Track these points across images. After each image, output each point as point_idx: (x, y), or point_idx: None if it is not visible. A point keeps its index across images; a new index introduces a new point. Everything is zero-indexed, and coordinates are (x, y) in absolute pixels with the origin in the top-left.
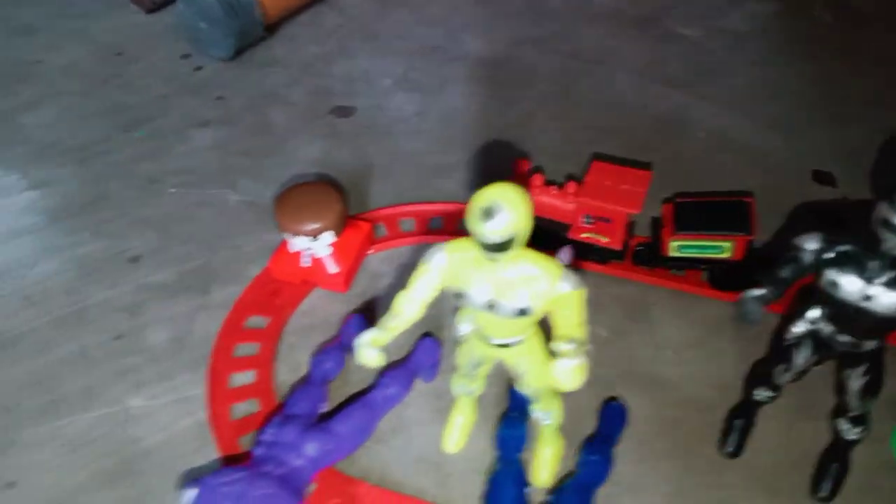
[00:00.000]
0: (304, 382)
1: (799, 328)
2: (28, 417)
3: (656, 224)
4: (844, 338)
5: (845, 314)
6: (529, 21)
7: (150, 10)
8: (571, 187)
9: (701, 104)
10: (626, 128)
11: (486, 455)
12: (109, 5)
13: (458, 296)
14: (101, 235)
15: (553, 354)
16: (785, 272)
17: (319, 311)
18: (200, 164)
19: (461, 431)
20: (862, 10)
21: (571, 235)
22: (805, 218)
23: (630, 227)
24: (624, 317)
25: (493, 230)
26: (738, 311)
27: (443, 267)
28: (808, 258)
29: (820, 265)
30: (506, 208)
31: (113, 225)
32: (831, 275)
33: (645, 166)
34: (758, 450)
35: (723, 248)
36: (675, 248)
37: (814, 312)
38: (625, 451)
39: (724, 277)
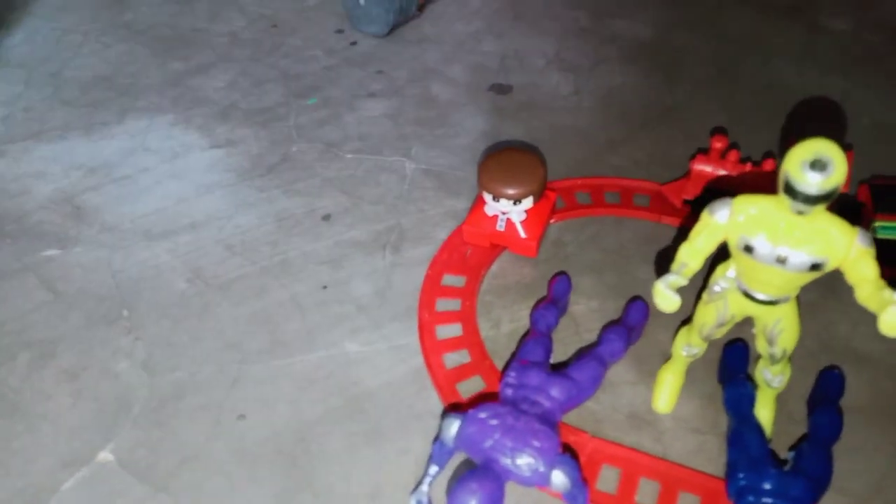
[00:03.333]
0: (532, 334)
1: None
2: (254, 355)
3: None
4: None
5: None
6: (672, 4)
7: None
8: (769, 164)
9: (863, 92)
10: (785, 111)
11: (699, 416)
12: None
13: (746, 248)
14: (292, 194)
15: (881, 304)
16: None
17: (510, 274)
18: (374, 131)
19: (671, 391)
20: None
21: None
22: None
23: None
24: (816, 294)
25: (819, 182)
26: None
27: (729, 220)
28: None
29: None
30: (834, 162)
31: (302, 184)
32: None
33: (846, 147)
34: None
35: None
36: (875, 229)
37: None
38: (848, 421)
39: None
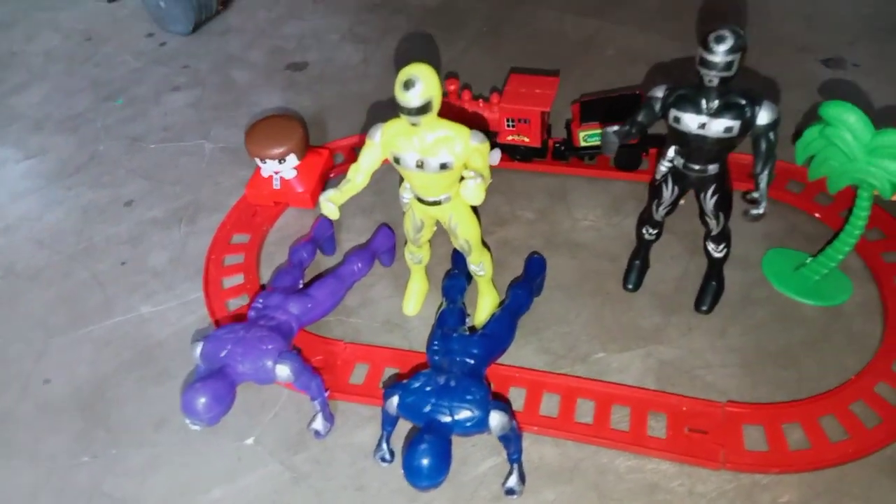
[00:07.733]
0: (285, 266)
1: (662, 167)
2: (57, 330)
3: (569, 125)
4: (693, 165)
5: (690, 146)
6: None
7: None
8: (494, 98)
9: (612, 27)
10: (546, 52)
11: None
12: None
13: (396, 160)
14: (97, 187)
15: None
16: (641, 115)
17: (292, 226)
18: (176, 121)
19: (417, 297)
20: None
21: (499, 140)
22: None
23: (548, 128)
24: (547, 201)
25: (411, 97)
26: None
27: (381, 139)
28: (657, 102)
29: (666, 107)
30: (420, 79)
31: (107, 178)
32: (674, 113)
33: (553, 73)
34: (659, 283)
35: None
36: (583, 138)
37: (669, 154)
38: (552, 297)
39: (626, 159)
